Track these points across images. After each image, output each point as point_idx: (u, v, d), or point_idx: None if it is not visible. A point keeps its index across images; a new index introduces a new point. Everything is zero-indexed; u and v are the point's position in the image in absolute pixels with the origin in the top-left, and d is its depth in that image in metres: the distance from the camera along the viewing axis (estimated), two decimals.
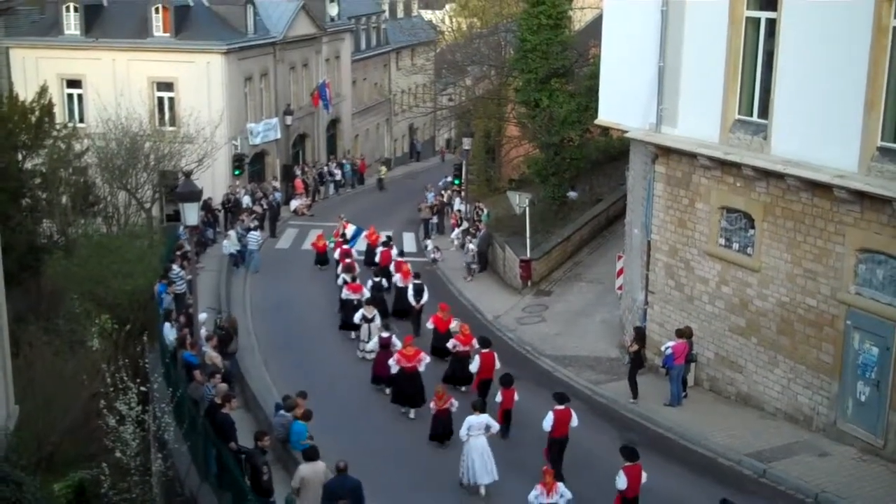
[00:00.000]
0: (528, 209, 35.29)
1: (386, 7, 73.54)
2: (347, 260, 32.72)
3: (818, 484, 19.01)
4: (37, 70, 46.86)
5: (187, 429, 21.06)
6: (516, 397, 21.45)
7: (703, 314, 24.00)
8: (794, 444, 20.71)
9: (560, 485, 17.13)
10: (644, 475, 17.25)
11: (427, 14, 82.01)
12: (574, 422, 19.46)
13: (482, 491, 19.25)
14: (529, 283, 34.51)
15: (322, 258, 37.87)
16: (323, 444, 18.82)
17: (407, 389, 23.16)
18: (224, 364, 23.58)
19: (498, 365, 22.98)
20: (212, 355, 23.46)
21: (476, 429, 19.25)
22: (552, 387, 24.80)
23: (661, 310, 25.49)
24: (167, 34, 47.50)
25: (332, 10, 61.04)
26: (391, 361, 23.28)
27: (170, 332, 25.07)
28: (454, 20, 61.43)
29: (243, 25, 49.99)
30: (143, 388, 22.88)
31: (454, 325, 25.67)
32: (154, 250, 35.32)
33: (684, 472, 20.22)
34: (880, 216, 19.09)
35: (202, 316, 26.38)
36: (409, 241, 43.30)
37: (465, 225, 40.04)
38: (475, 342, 23.91)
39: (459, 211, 43.12)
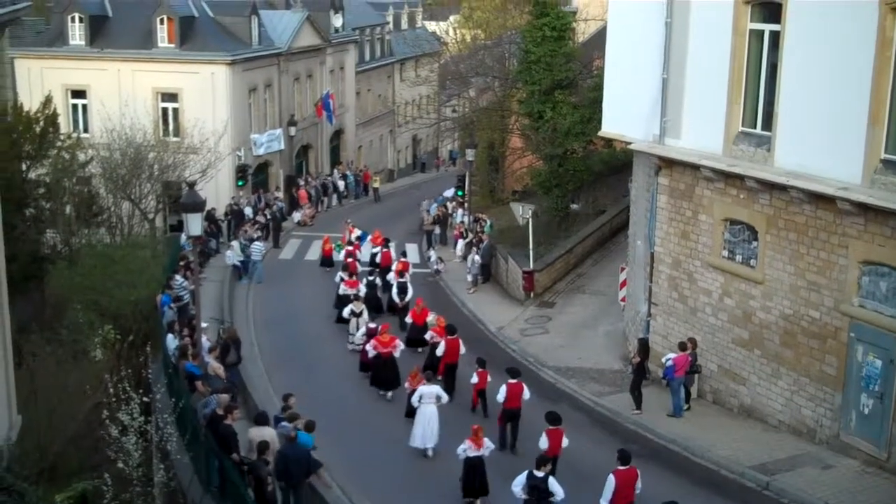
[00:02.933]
0: (531, 220, 35.29)
1: (390, 19, 73.73)
2: (349, 259, 34.58)
3: (821, 497, 18.95)
4: (42, 80, 46.96)
5: (190, 439, 21.04)
6: (489, 378, 23.13)
7: (706, 326, 23.98)
8: (798, 456, 20.66)
9: (486, 440, 19.06)
10: (566, 440, 19.10)
11: (431, 26, 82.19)
12: (526, 395, 21.35)
13: (429, 453, 21.47)
14: (532, 295, 34.50)
15: (327, 261, 38.95)
16: (326, 449, 19.34)
17: (383, 373, 25.21)
18: (226, 374, 23.60)
19: (463, 350, 24.95)
20: (214, 366, 23.47)
21: (427, 398, 21.38)
22: (556, 398, 24.93)
23: (664, 322, 25.48)
24: (172, 45, 47.68)
25: (337, 21, 61.20)
26: (368, 347, 25.55)
27: (172, 343, 25.06)
28: (458, 32, 61.59)
29: (248, 36, 50.12)
30: (145, 399, 22.86)
31: (431, 317, 27.28)
32: (157, 261, 35.35)
33: (687, 483, 20.16)
34: (884, 228, 19.08)
35: (203, 324, 26.44)
36: (412, 253, 43.23)
37: (470, 236, 40.04)
38: None
39: (463, 222, 43.13)
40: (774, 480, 19.80)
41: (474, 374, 23.27)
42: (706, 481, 20.32)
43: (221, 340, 26.07)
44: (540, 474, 16.87)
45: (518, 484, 16.98)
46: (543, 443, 18.86)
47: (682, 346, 23.31)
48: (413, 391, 22.18)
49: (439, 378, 23.92)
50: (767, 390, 22.37)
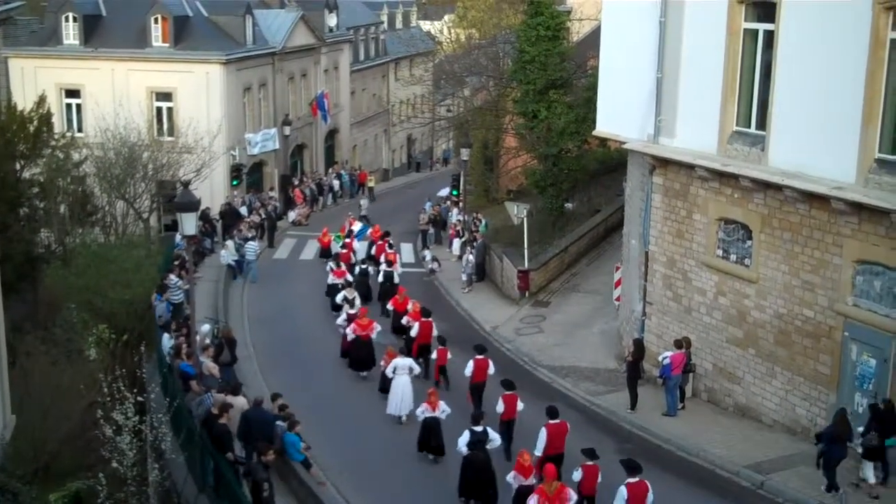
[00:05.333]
0: (525, 220, 35.29)
1: (385, 18, 73.71)
2: (343, 251, 36.62)
3: (816, 496, 18.96)
4: (35, 79, 46.83)
5: (184, 439, 21.02)
6: (449, 356, 25.18)
7: (700, 325, 24.00)
8: (792, 455, 20.68)
9: (442, 403, 21.12)
10: (520, 404, 20.83)
11: (426, 25, 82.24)
12: (491, 369, 23.02)
13: (403, 419, 23.30)
14: (527, 294, 34.50)
15: (326, 252, 39.49)
16: (321, 449, 19.79)
17: (359, 354, 26.79)
18: (220, 374, 23.60)
19: (435, 332, 26.41)
20: (209, 366, 23.45)
21: (401, 369, 23.53)
22: (551, 398, 24.95)
23: (658, 321, 25.49)
24: (166, 44, 47.56)
25: (331, 20, 61.12)
26: (347, 330, 27.20)
27: (167, 343, 25.04)
28: (453, 31, 61.59)
29: (242, 36, 50.02)
30: (140, 399, 22.82)
31: (410, 306, 28.38)
32: (152, 260, 35.29)
33: (682, 483, 20.19)
34: (878, 228, 19.11)
35: (205, 328, 26.44)
36: (407, 252, 43.28)
37: (466, 236, 40.03)
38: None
39: (458, 222, 43.12)
40: (769, 479, 19.83)
41: (434, 351, 25.43)
42: (701, 480, 20.35)
43: (216, 340, 26.08)
44: (479, 429, 18.98)
45: (462, 443, 18.90)
46: (500, 407, 20.80)
47: (679, 344, 23.34)
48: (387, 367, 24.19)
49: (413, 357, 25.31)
50: (762, 389, 22.40)
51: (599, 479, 17.75)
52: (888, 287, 19.27)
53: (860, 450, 18.93)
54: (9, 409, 21.17)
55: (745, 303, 22.60)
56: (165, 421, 21.91)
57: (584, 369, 27.37)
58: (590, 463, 17.67)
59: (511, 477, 17.77)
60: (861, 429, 19.07)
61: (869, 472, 18.94)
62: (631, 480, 16.69)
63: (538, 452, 18.63)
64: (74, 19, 47.89)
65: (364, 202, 51.22)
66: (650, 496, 16.74)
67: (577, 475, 17.69)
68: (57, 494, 23.72)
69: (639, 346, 24.79)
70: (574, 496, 16.87)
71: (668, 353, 23.28)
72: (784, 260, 21.39)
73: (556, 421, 19.13)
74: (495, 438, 19.25)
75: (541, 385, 26.40)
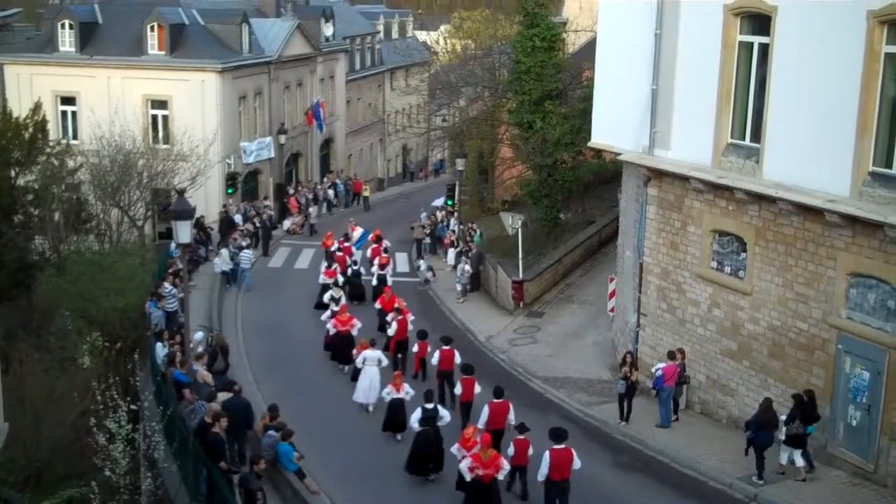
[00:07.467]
0: (520, 230, 35.32)
1: (381, 28, 73.79)
2: (339, 254, 37.23)
3: None
4: (31, 86, 46.78)
5: (177, 448, 21.00)
6: (429, 349, 26.02)
7: (694, 337, 24.03)
8: (785, 467, 20.67)
9: (406, 385, 22.74)
10: (477, 387, 22.55)
11: (422, 35, 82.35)
12: (457, 359, 24.42)
13: (370, 409, 24.58)
14: (521, 305, 34.51)
15: (329, 254, 39.59)
16: (312, 457, 19.87)
17: (339, 347, 28.00)
18: (214, 382, 23.57)
19: (411, 328, 27.53)
20: (203, 374, 23.42)
21: (370, 361, 24.69)
22: (544, 408, 24.96)
23: (652, 332, 25.52)
24: (162, 52, 47.56)
25: (327, 30, 61.19)
26: (328, 325, 28.59)
27: (161, 351, 25.01)
28: (449, 41, 61.73)
29: (238, 44, 50.06)
30: (133, 407, 22.79)
31: (396, 304, 29.04)
32: (146, 268, 35.27)
33: (675, 494, 20.19)
34: (872, 241, 19.16)
35: (198, 335, 26.40)
36: (401, 262, 43.28)
37: (461, 246, 40.04)
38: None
39: (454, 231, 43.13)
40: (762, 492, 19.83)
41: (415, 345, 26.58)
42: (694, 492, 20.34)
43: (210, 348, 26.06)
44: (430, 406, 20.53)
45: (415, 419, 20.43)
46: (458, 389, 22.88)
47: (671, 356, 23.36)
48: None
49: (389, 353, 26.69)
50: (755, 401, 22.35)
51: (531, 452, 19.09)
52: (882, 300, 19.32)
53: (783, 437, 19.90)
54: (1, 416, 21.07)
55: (739, 315, 22.64)
56: (158, 429, 21.85)
57: (577, 380, 27.36)
58: (521, 437, 19.08)
59: (455, 449, 19.33)
60: (783, 417, 19.96)
61: (797, 457, 19.94)
62: (556, 447, 18.02)
63: (480, 425, 20.15)
64: (70, 26, 47.87)
65: (313, 210, 51.25)
66: (576, 462, 18.13)
67: (511, 450, 19.08)
68: (50, 502, 23.67)
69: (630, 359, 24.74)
70: (506, 464, 18.51)
71: (661, 365, 23.29)
72: (778, 272, 21.43)
73: (499, 400, 20.68)
74: (445, 415, 20.70)
75: (534, 395, 26.39)
